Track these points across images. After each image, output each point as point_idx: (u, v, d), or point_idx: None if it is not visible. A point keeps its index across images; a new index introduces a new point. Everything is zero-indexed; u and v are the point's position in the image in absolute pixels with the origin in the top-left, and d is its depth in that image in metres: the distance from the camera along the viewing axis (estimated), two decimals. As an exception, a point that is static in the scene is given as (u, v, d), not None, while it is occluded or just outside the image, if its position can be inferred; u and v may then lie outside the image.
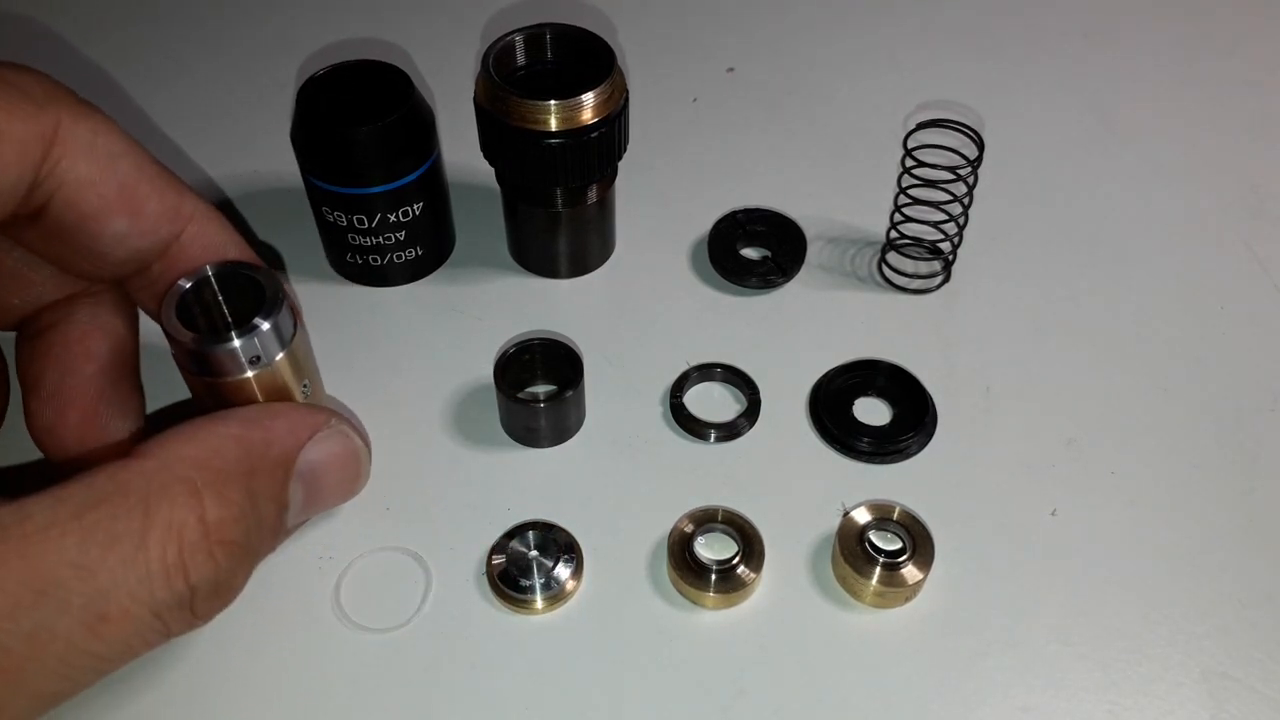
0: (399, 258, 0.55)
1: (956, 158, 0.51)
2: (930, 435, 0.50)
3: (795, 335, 0.54)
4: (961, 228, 0.54)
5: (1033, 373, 0.52)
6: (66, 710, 0.41)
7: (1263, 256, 0.58)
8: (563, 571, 0.44)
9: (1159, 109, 0.67)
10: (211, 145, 0.65)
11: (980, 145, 0.51)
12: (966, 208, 0.53)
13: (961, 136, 0.51)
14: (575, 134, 0.48)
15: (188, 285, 0.43)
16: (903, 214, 0.54)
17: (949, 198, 0.52)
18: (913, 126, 0.52)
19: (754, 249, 0.58)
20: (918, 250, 0.55)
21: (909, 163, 0.52)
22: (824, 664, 0.42)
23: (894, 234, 0.55)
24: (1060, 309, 0.55)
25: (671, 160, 0.64)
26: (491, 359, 0.51)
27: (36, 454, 0.44)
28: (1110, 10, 0.76)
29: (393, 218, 0.53)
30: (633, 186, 0.60)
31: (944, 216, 0.53)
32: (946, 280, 0.56)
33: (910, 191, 0.53)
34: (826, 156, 0.64)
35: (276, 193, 0.61)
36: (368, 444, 0.41)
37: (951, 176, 0.51)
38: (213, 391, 0.42)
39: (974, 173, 0.51)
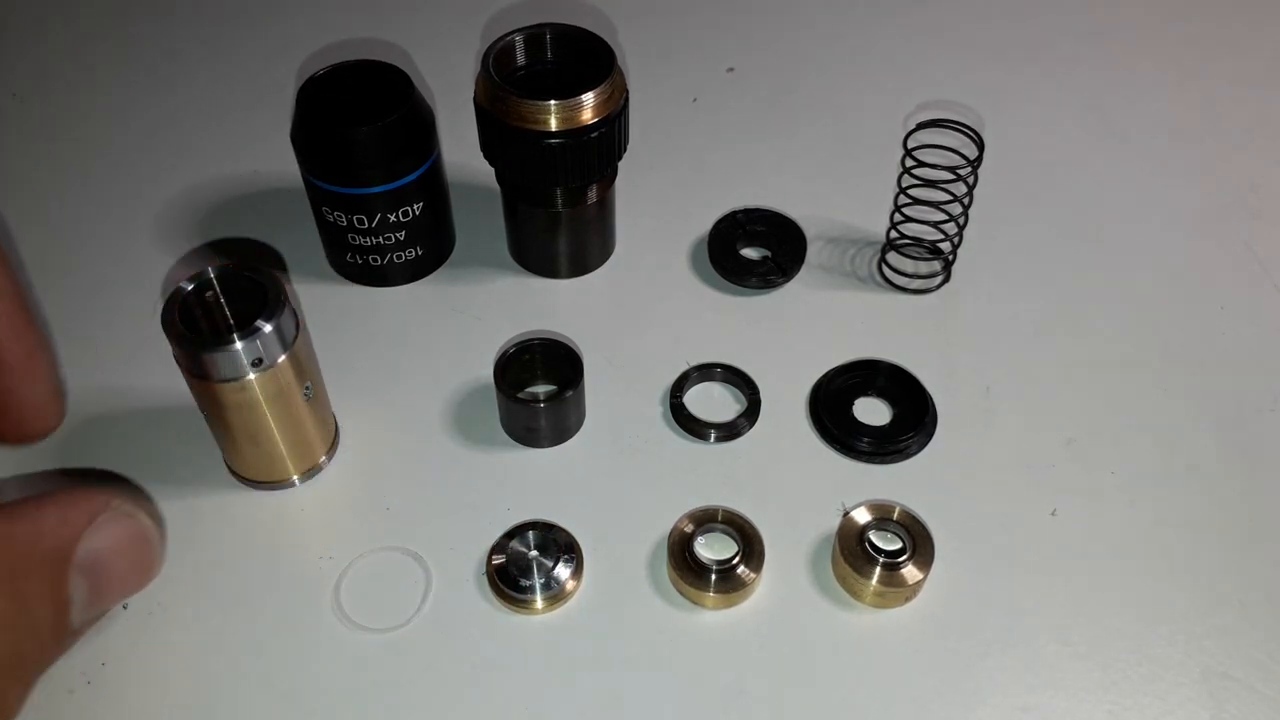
0: (399, 258, 0.55)
1: (956, 158, 0.51)
2: (930, 435, 0.50)
3: (795, 335, 0.54)
4: (961, 228, 0.54)
5: (1033, 373, 0.52)
6: (62, 710, 0.41)
7: (1263, 256, 0.58)
8: (563, 571, 0.44)
9: (1159, 109, 0.67)
10: (211, 145, 0.65)
11: (980, 145, 0.51)
12: (966, 208, 0.53)
13: (961, 136, 0.51)
14: (575, 134, 0.48)
15: (189, 287, 0.43)
16: (903, 214, 0.54)
17: (949, 198, 0.52)
18: (913, 126, 0.52)
19: (754, 249, 0.58)
20: (918, 250, 0.55)
21: (909, 163, 0.52)
22: (824, 664, 0.42)
23: (894, 234, 0.55)
24: (1060, 309, 0.55)
25: (671, 160, 0.64)
26: (491, 359, 0.51)
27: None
28: (1110, 10, 0.75)
29: (393, 218, 0.53)
30: (633, 186, 0.60)
31: (944, 216, 0.53)
32: (946, 280, 0.56)
33: (910, 191, 0.53)
34: (826, 156, 0.64)
35: (276, 193, 0.62)
36: (159, 524, 0.36)
37: (951, 176, 0.51)
38: (215, 395, 0.42)
39: (974, 173, 0.51)
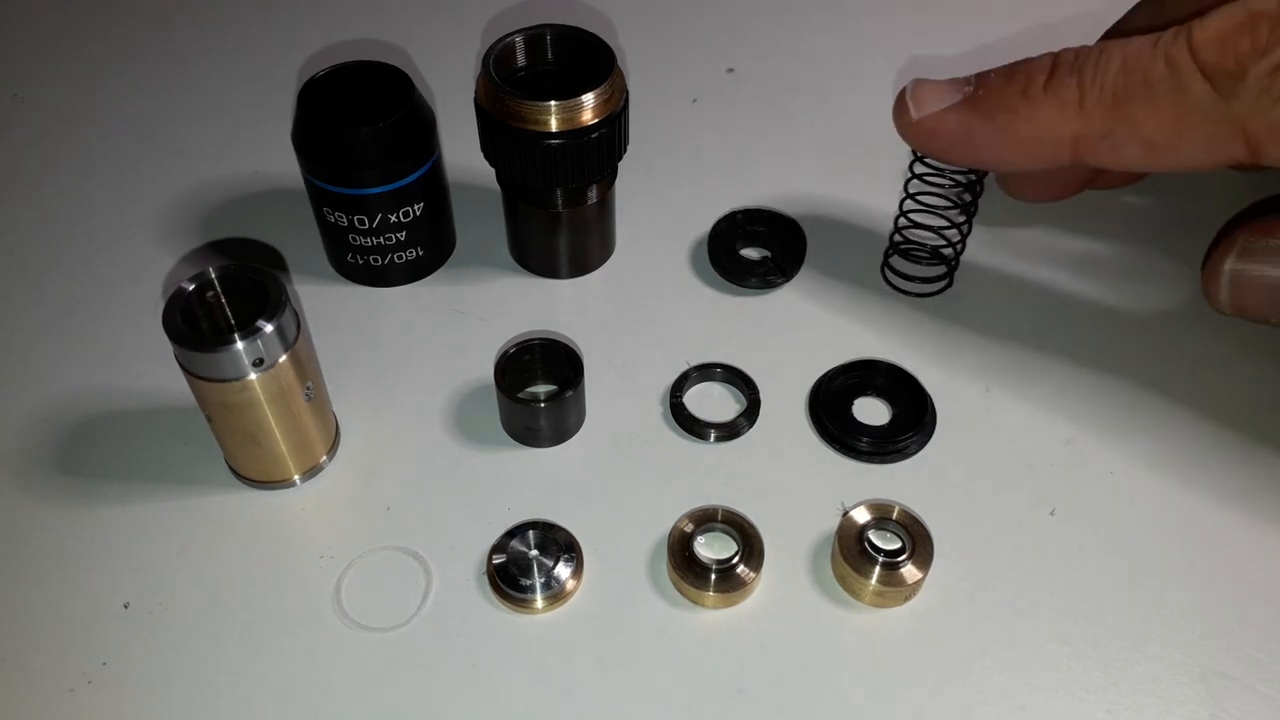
0: (400, 258, 0.55)
1: None
2: (930, 435, 0.50)
3: (795, 335, 0.54)
4: (965, 235, 0.54)
5: (1033, 373, 0.52)
6: (62, 710, 0.41)
7: (1262, 256, 0.58)
8: (563, 571, 0.44)
9: (1159, 109, 0.67)
10: (212, 145, 0.65)
11: None
12: (972, 215, 0.53)
13: None
14: (575, 134, 0.48)
15: (190, 287, 0.43)
16: (908, 219, 0.54)
17: (954, 204, 0.52)
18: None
19: (754, 249, 0.58)
20: (922, 255, 0.55)
21: (919, 169, 0.51)
22: (824, 664, 0.42)
23: (898, 238, 0.55)
24: (1060, 309, 0.55)
25: (671, 160, 0.64)
26: (491, 359, 0.51)
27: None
28: (1111, 11, 0.75)
29: (393, 218, 0.53)
30: (633, 186, 0.60)
31: (948, 222, 0.53)
32: (949, 285, 0.56)
33: (916, 197, 0.53)
34: (826, 156, 0.64)
35: (277, 193, 0.62)
36: None
37: (955, 183, 0.51)
38: (216, 395, 0.42)
39: (980, 181, 0.51)
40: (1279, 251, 0.45)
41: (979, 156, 0.47)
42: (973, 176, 0.51)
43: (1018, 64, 0.45)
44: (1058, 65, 0.43)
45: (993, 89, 0.45)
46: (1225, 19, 0.40)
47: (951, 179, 0.51)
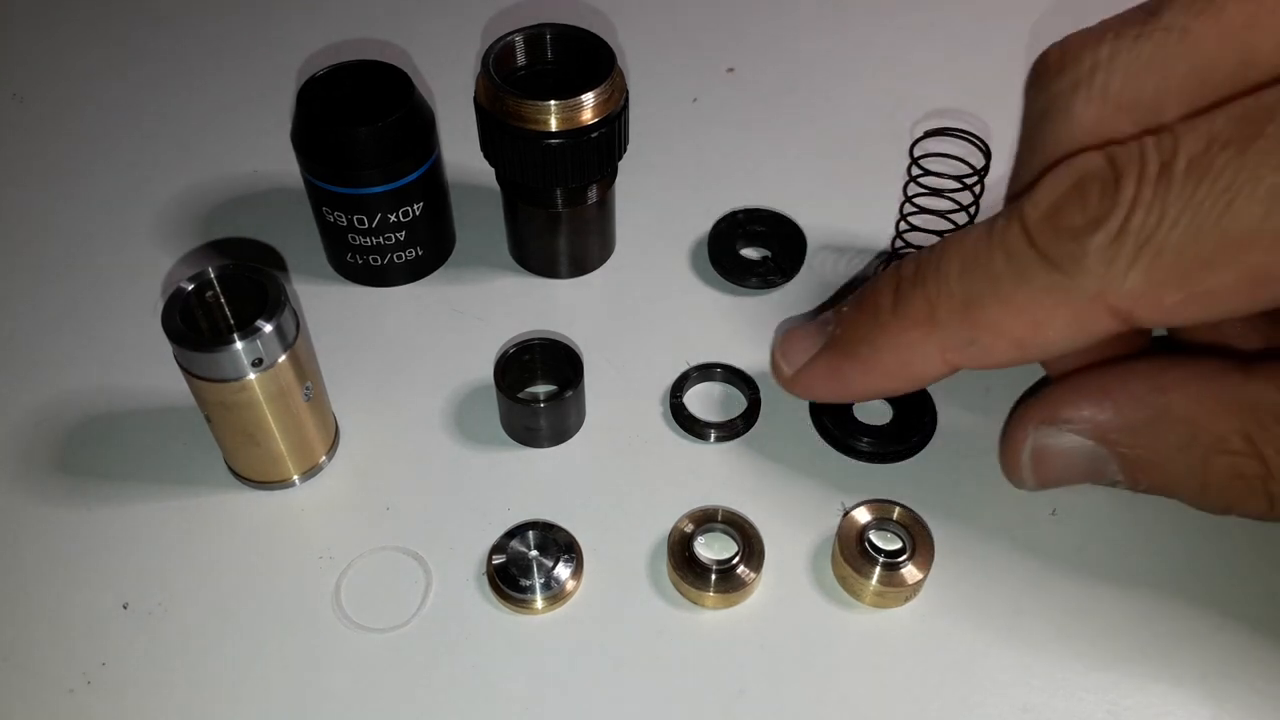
0: (399, 258, 0.55)
1: (963, 166, 0.51)
2: (930, 435, 0.50)
3: (795, 335, 0.54)
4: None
5: (1033, 372, 0.52)
6: (62, 710, 0.41)
7: (1263, 256, 0.58)
8: (563, 571, 0.44)
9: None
10: (211, 145, 0.65)
11: (987, 154, 0.50)
12: (973, 217, 0.52)
13: (968, 145, 0.51)
14: (575, 134, 0.48)
15: (190, 287, 0.43)
16: (909, 223, 0.54)
17: (955, 207, 0.52)
18: (919, 134, 0.52)
19: (754, 249, 0.58)
20: None
21: (915, 171, 0.51)
22: (824, 664, 0.42)
23: (899, 243, 0.55)
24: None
25: (671, 160, 0.64)
26: (491, 359, 0.51)
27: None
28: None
29: (393, 218, 0.53)
30: (633, 186, 0.60)
31: (950, 226, 0.53)
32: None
33: (916, 200, 0.53)
34: (826, 156, 0.64)
35: (276, 193, 0.62)
36: None
37: (958, 185, 0.51)
38: (215, 395, 0.42)
39: (980, 181, 0.51)
40: (1070, 430, 0.42)
41: (856, 393, 0.44)
42: (973, 179, 0.51)
43: (865, 289, 0.42)
44: (900, 282, 0.40)
45: (847, 324, 0.42)
46: (1052, 188, 0.36)
47: (952, 185, 0.51)
